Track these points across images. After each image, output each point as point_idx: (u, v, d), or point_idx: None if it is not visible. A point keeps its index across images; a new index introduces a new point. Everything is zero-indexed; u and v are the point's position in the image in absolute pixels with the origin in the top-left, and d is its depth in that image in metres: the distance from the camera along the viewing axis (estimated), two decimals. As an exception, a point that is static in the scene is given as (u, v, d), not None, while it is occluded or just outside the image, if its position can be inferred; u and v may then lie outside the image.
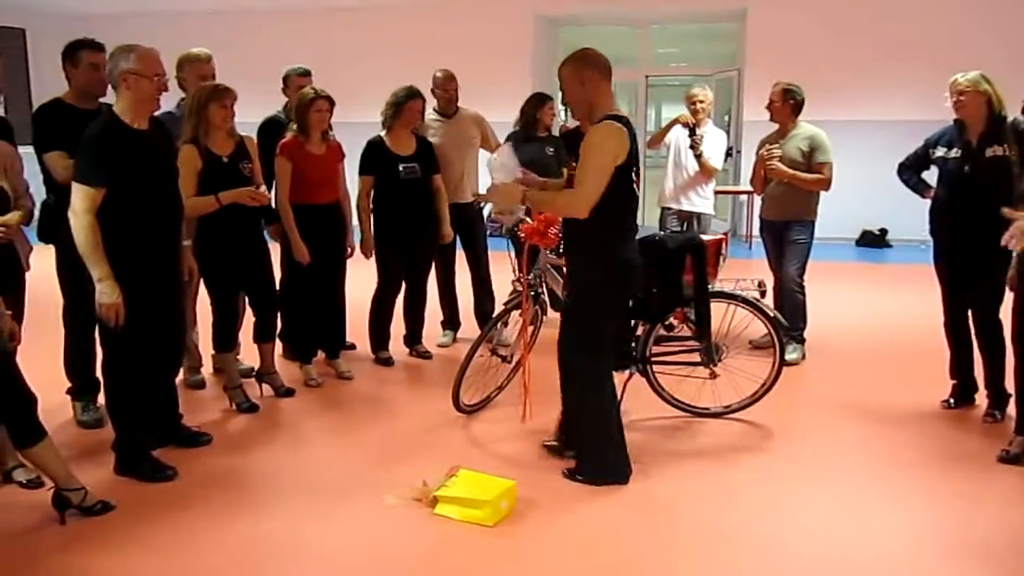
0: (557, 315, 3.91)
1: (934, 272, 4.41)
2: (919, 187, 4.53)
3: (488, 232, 5.83)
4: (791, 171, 5.06)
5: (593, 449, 3.52)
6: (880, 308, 6.91)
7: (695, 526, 3.21)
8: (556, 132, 6.07)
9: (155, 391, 3.68)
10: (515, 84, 9.37)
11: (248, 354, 4.78)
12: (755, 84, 9.29)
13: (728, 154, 8.16)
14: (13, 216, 3.47)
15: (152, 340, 3.51)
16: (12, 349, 3.15)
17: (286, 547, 3.04)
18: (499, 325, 4.61)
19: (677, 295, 3.96)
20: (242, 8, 11.36)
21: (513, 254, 4.77)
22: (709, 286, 4.03)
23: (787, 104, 5.14)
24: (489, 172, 3.69)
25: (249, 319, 4.62)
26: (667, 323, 4.09)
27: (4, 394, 3.02)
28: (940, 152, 4.28)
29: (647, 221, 10.02)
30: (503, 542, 3.08)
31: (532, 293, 4.18)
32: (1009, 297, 3.77)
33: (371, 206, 5.05)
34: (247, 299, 4.55)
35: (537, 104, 5.60)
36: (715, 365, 4.10)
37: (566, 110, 6.45)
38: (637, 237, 3.59)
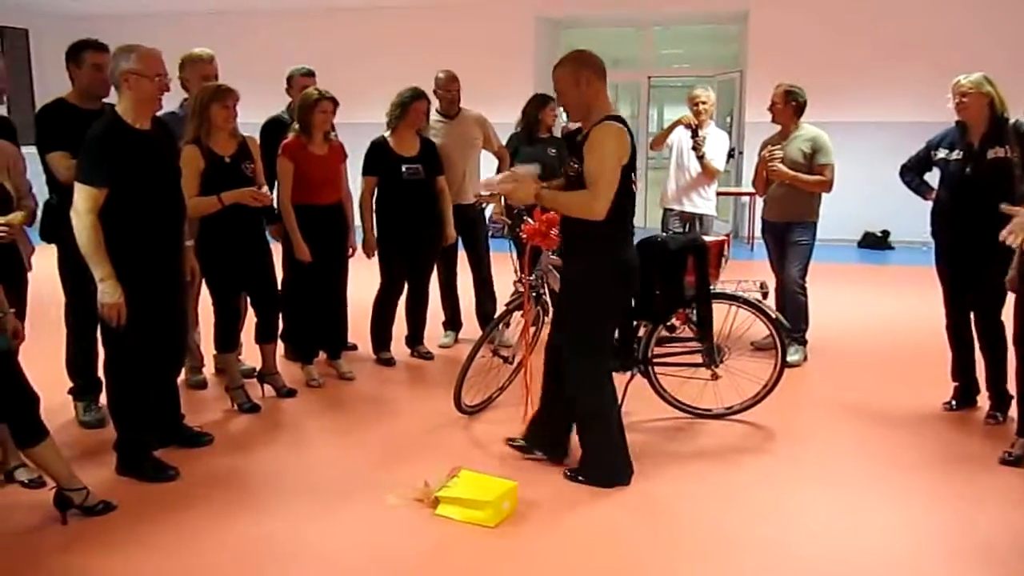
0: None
1: (936, 274, 4.41)
2: (921, 189, 4.52)
3: (490, 233, 5.82)
4: (793, 173, 5.06)
5: (594, 450, 3.52)
6: (882, 310, 6.90)
7: (696, 527, 3.21)
8: (558, 133, 6.07)
9: (157, 391, 3.69)
10: (517, 85, 9.36)
11: (250, 354, 4.79)
12: (757, 85, 9.29)
13: (730, 155, 8.14)
14: (16, 216, 3.47)
15: (154, 340, 3.51)
16: (16, 347, 3.15)
17: (288, 547, 3.05)
18: (501, 326, 4.61)
19: (679, 296, 3.96)
20: (244, 8, 11.37)
21: (515, 255, 4.78)
22: (711, 287, 4.03)
23: (789, 106, 5.14)
24: (480, 189, 3.64)
25: (251, 319, 4.62)
26: (669, 324, 4.09)
27: (6, 394, 3.02)
28: (942, 154, 4.27)
29: (649, 222, 10.04)
30: (504, 543, 3.08)
31: (534, 294, 4.18)
32: (1011, 299, 3.77)
33: (374, 207, 5.05)
34: (249, 299, 4.55)
35: (539, 105, 5.59)
36: (717, 366, 4.11)
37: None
38: (638, 238, 3.58)
